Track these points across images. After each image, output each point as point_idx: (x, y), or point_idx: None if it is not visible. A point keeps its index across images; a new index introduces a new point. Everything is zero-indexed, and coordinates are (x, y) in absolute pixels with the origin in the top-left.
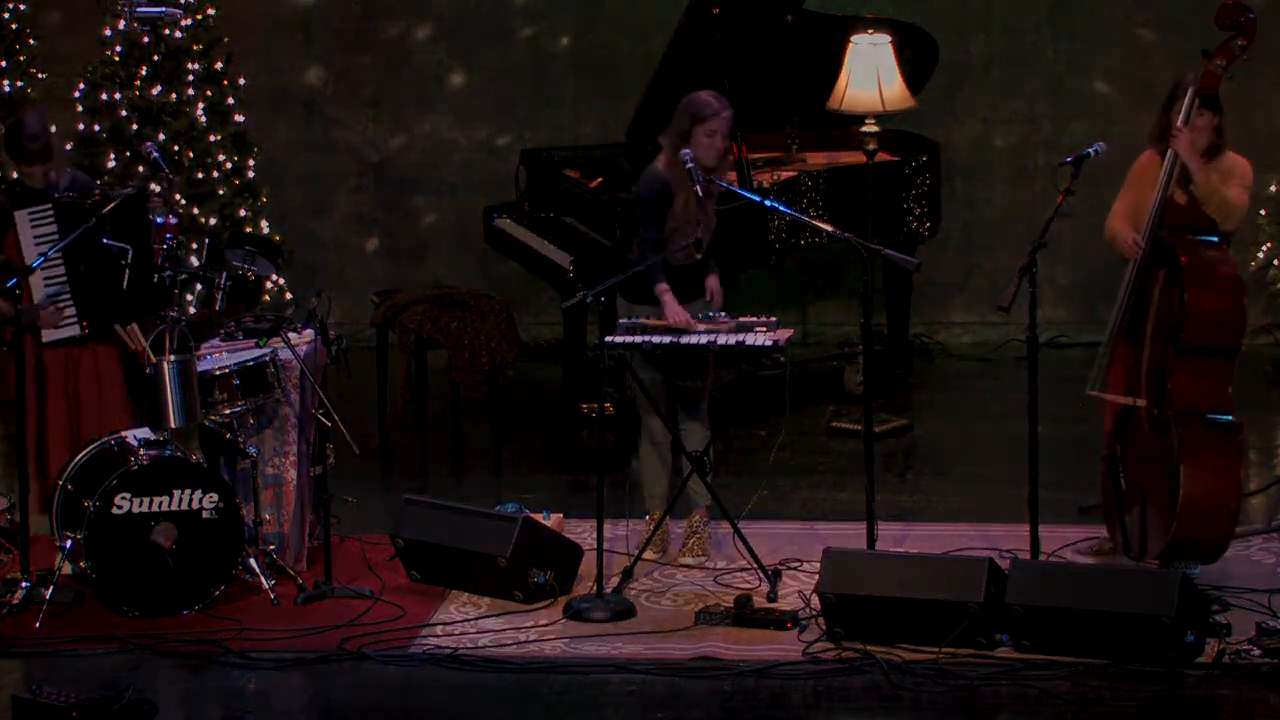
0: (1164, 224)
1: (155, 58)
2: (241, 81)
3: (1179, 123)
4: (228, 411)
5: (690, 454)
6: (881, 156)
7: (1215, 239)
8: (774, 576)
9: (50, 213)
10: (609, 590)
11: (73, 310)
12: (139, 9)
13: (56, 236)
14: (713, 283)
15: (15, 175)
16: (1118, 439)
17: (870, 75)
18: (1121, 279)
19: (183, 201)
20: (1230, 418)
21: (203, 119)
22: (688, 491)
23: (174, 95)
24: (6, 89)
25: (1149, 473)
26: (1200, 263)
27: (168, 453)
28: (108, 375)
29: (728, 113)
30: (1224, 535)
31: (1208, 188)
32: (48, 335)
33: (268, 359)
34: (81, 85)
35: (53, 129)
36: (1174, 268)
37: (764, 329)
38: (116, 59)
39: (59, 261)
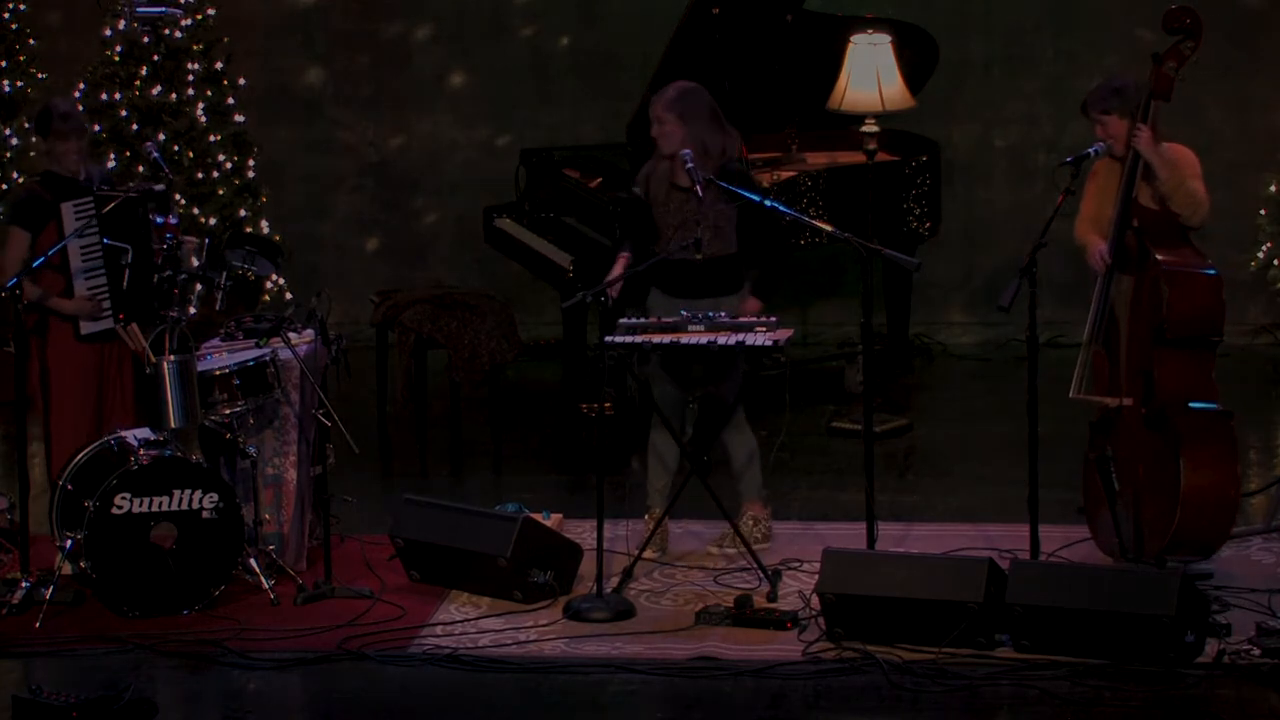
0: (1130, 226)
1: (155, 58)
2: (241, 81)
3: (1138, 121)
4: (228, 411)
5: (690, 454)
6: (881, 156)
7: (1182, 237)
8: (774, 576)
9: (91, 205)
10: (609, 590)
11: (109, 303)
12: (139, 9)
13: (97, 229)
14: (751, 305)
15: (38, 172)
16: (1106, 439)
17: (870, 75)
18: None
19: (183, 201)
20: (1217, 406)
21: (203, 119)
22: (739, 486)
23: (174, 95)
24: (6, 89)
25: (1142, 470)
26: (1175, 257)
27: (168, 453)
28: (128, 374)
29: (658, 98)
30: (1225, 525)
31: (1172, 181)
32: (86, 327)
33: (268, 359)
34: (81, 85)
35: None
36: (1147, 267)
37: (764, 329)
38: (116, 59)
39: (99, 254)
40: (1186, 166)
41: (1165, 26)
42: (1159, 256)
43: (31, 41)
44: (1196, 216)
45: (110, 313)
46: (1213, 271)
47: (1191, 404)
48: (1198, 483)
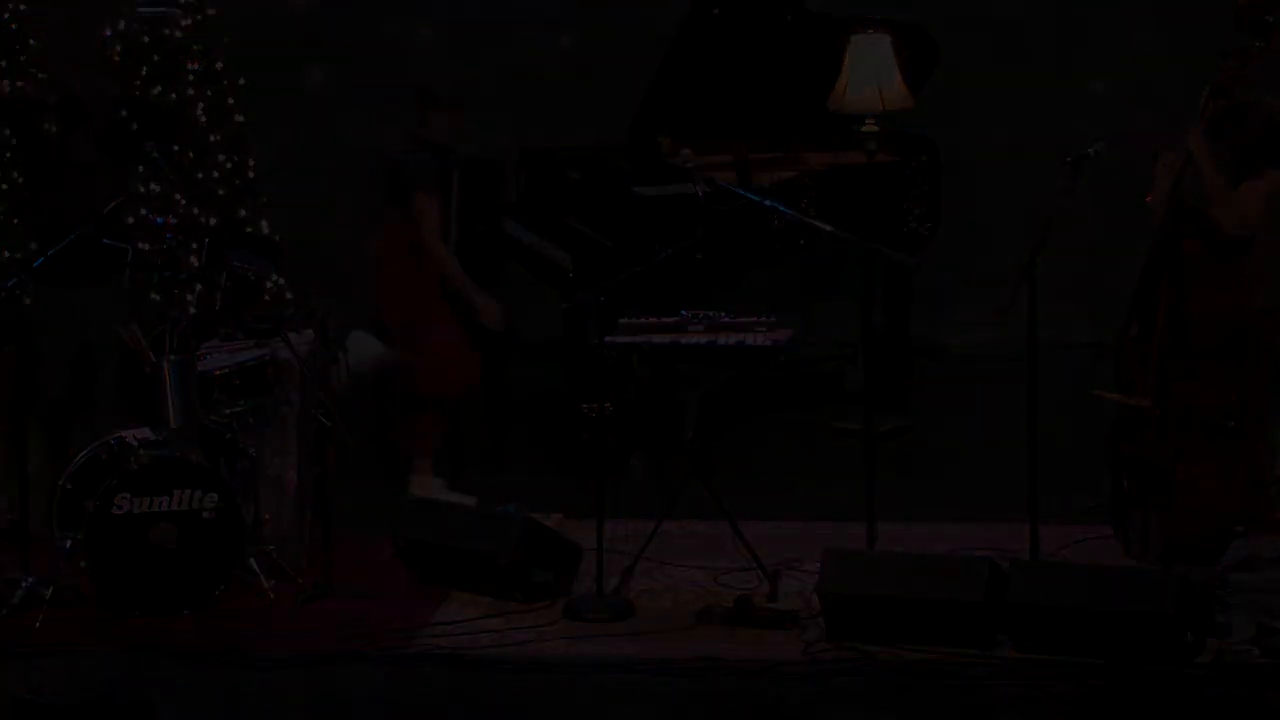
0: (1177, 226)
1: (155, 58)
2: (241, 81)
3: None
4: (228, 411)
5: (690, 454)
6: (881, 157)
7: (1233, 243)
8: (774, 576)
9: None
10: (609, 590)
11: None
12: (139, 9)
13: None
14: None
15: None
16: (1121, 439)
17: (870, 75)
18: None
19: (183, 201)
20: (1231, 423)
21: (203, 119)
22: None
23: (174, 95)
24: (6, 89)
25: (1150, 474)
26: (1205, 263)
27: (168, 453)
28: None
29: None
30: (1222, 539)
31: (1212, 183)
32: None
33: (268, 359)
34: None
35: None
36: (1181, 268)
37: (764, 329)
38: (116, 59)
39: None
40: (1260, 182)
41: (1236, 22)
42: (1192, 256)
43: (31, 41)
44: (1228, 222)
45: None
46: (1241, 275)
47: (1209, 418)
48: (1193, 499)
